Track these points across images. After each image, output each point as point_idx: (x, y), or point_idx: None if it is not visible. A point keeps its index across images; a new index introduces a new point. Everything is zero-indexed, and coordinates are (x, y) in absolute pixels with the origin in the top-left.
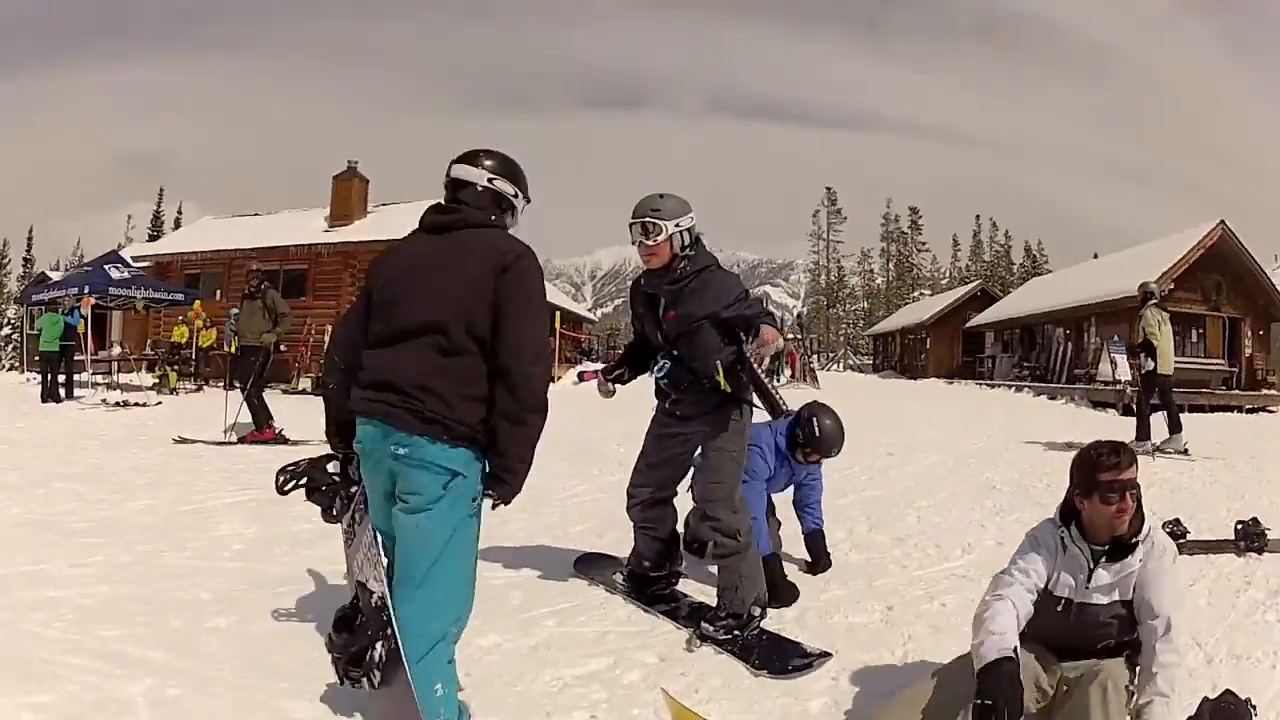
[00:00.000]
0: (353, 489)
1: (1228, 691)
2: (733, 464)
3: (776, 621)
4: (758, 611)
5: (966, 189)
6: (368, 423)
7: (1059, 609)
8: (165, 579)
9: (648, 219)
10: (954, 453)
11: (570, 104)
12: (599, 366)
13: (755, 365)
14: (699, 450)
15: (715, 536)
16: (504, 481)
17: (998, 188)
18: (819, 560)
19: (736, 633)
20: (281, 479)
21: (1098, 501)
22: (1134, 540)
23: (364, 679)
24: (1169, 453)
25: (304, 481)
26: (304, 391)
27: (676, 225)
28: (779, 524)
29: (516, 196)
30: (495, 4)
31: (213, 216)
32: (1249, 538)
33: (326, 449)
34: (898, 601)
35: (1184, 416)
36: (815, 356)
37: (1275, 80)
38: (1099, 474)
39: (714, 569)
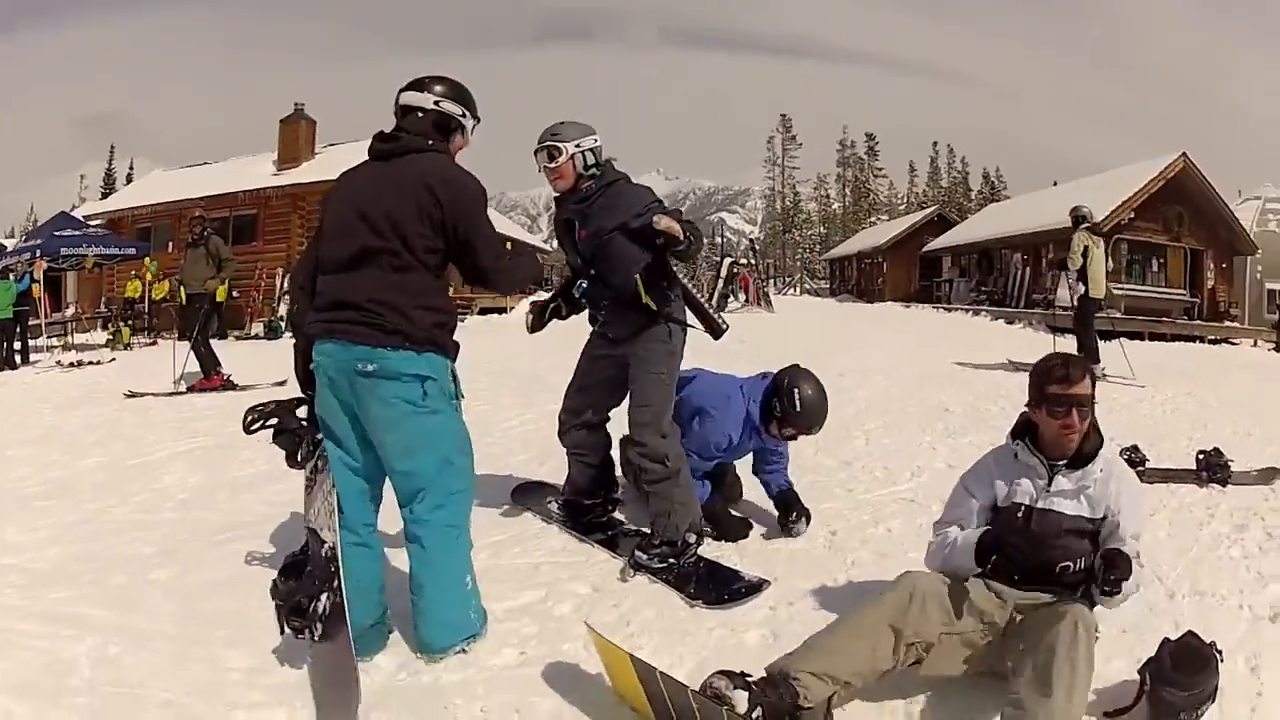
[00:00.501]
0: (319, 435)
1: (1190, 633)
2: (661, 387)
3: (715, 549)
4: (693, 538)
5: (924, 118)
6: (327, 342)
7: (1019, 516)
8: (111, 535)
9: (548, 143)
10: (908, 376)
11: (521, 39)
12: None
13: (689, 284)
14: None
15: (642, 462)
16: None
17: (955, 117)
18: (794, 512)
19: (671, 560)
20: (249, 418)
21: (1045, 414)
22: (1091, 455)
23: (306, 630)
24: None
25: (271, 422)
26: (256, 336)
27: (577, 146)
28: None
29: (465, 116)
30: None
31: (163, 169)
32: (1211, 468)
33: (274, 393)
34: (842, 526)
35: (1144, 344)
36: (771, 281)
37: (1242, 20)
38: (1047, 386)
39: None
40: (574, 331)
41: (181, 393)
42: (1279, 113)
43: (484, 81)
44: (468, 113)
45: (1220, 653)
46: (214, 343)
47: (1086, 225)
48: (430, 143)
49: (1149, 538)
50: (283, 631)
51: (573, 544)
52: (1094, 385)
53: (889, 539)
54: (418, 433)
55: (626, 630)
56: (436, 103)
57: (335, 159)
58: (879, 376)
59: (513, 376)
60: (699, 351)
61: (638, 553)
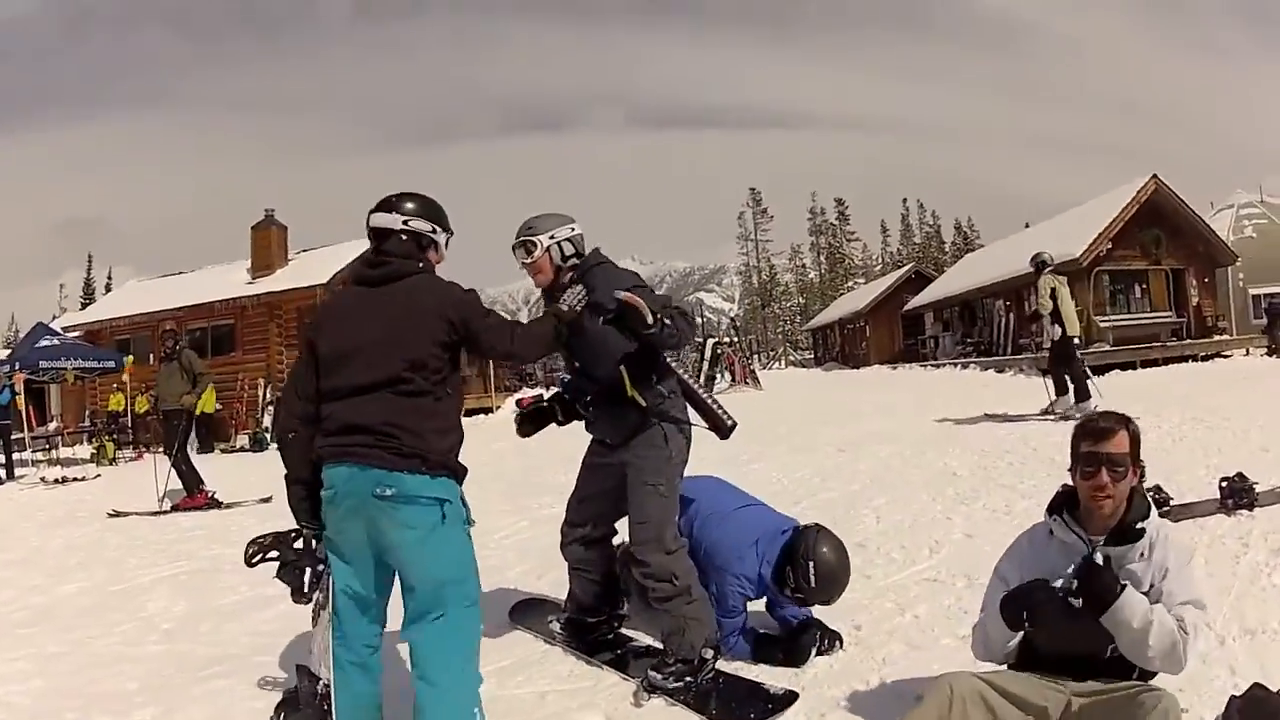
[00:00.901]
0: (320, 566)
1: (1256, 685)
2: (659, 499)
3: (730, 665)
4: (710, 654)
5: (891, 175)
6: (340, 465)
7: (1060, 601)
8: (94, 668)
9: (523, 238)
10: (907, 441)
11: (490, 132)
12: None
13: (689, 378)
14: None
15: (647, 582)
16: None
17: (922, 171)
18: (822, 637)
19: (688, 679)
20: (250, 550)
21: (1078, 476)
22: (1138, 526)
23: None
24: (1076, 418)
25: (271, 555)
26: (242, 449)
27: (551, 237)
28: None
29: (435, 232)
30: (407, 40)
31: (138, 279)
32: (1236, 494)
33: (260, 510)
34: (866, 619)
35: (1138, 373)
36: (755, 357)
37: (1193, 34)
38: (1080, 443)
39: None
40: (568, 430)
41: (165, 511)
42: (1239, 122)
43: (454, 176)
44: (438, 228)
45: None
46: (201, 457)
47: (1049, 268)
48: (420, 265)
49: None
50: None
51: (580, 667)
52: (1136, 444)
53: (917, 627)
54: (434, 556)
55: None
56: (405, 222)
57: (309, 265)
58: (877, 445)
59: (501, 480)
60: (697, 440)
61: (651, 673)
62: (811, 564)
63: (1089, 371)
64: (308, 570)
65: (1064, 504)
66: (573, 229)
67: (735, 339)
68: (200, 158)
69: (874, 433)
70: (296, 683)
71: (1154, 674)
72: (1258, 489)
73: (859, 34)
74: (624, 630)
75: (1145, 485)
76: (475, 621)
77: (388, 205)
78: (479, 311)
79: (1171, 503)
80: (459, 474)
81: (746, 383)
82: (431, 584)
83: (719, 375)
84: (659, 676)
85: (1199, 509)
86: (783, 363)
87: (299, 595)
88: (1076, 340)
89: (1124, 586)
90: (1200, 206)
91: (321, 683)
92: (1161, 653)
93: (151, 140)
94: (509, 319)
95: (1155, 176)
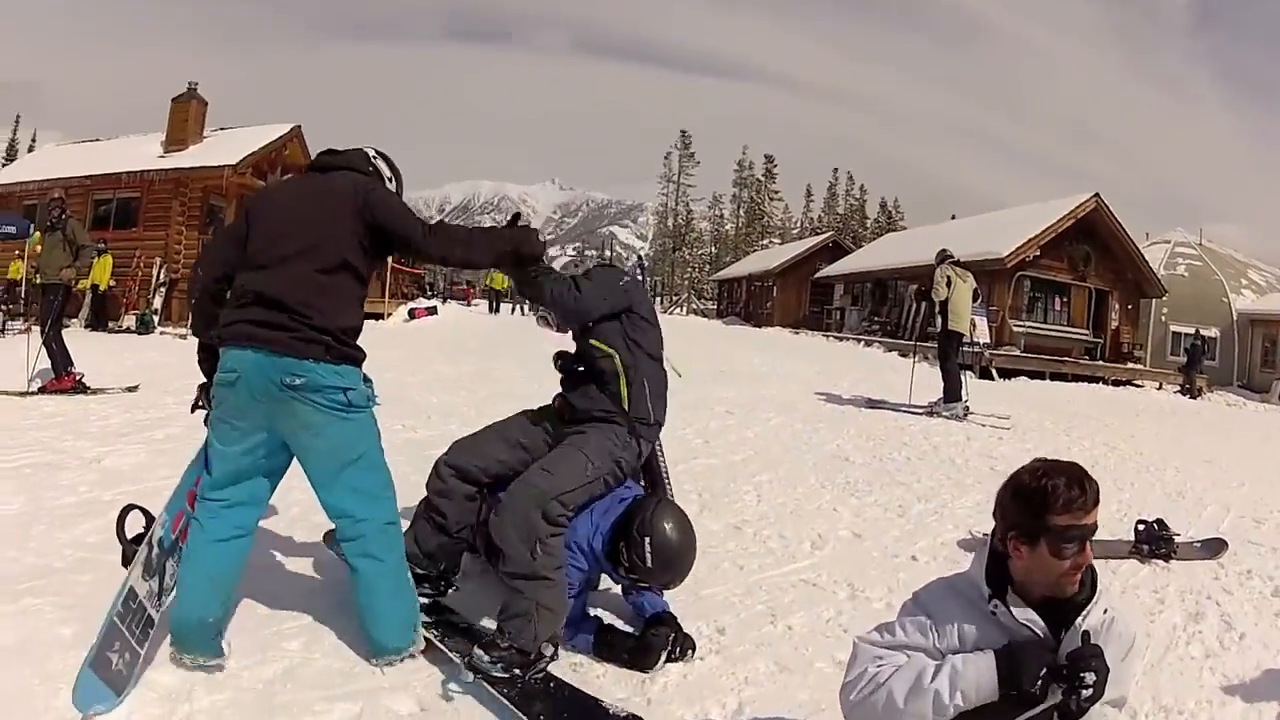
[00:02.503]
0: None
1: None
2: (576, 469)
3: (567, 660)
4: (549, 651)
5: (826, 143)
6: (246, 349)
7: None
8: None
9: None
10: (802, 414)
11: (433, 34)
12: (434, 304)
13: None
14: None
15: (507, 541)
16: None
17: (858, 145)
18: (673, 643)
19: (517, 671)
20: (199, 399)
21: (1045, 552)
22: (1083, 601)
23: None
24: (944, 415)
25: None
26: (128, 330)
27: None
28: None
29: (390, 181)
30: None
31: (56, 144)
32: (1155, 542)
33: (125, 398)
34: (732, 622)
35: (1047, 384)
36: (658, 299)
37: (1161, 75)
38: (1052, 515)
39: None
40: (442, 340)
41: (32, 393)
42: (1191, 166)
43: (385, 74)
44: (395, 180)
45: None
46: (89, 334)
47: (951, 260)
48: (370, 169)
49: None
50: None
51: None
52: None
53: (790, 641)
54: (345, 438)
55: None
56: (372, 157)
57: (221, 144)
58: (770, 413)
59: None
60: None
61: (478, 651)
62: (648, 540)
63: (964, 375)
64: None
65: (1002, 578)
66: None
67: (641, 277)
68: (139, 27)
69: (768, 398)
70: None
71: None
72: (1178, 539)
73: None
74: (448, 604)
75: None
76: (391, 494)
77: (361, 148)
78: (394, 204)
79: None
80: (359, 360)
81: None
82: (337, 464)
83: None
84: (485, 658)
85: (1112, 548)
86: (684, 309)
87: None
88: (965, 340)
89: None
90: (1136, 236)
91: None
92: None
93: (90, 5)
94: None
95: (1097, 195)
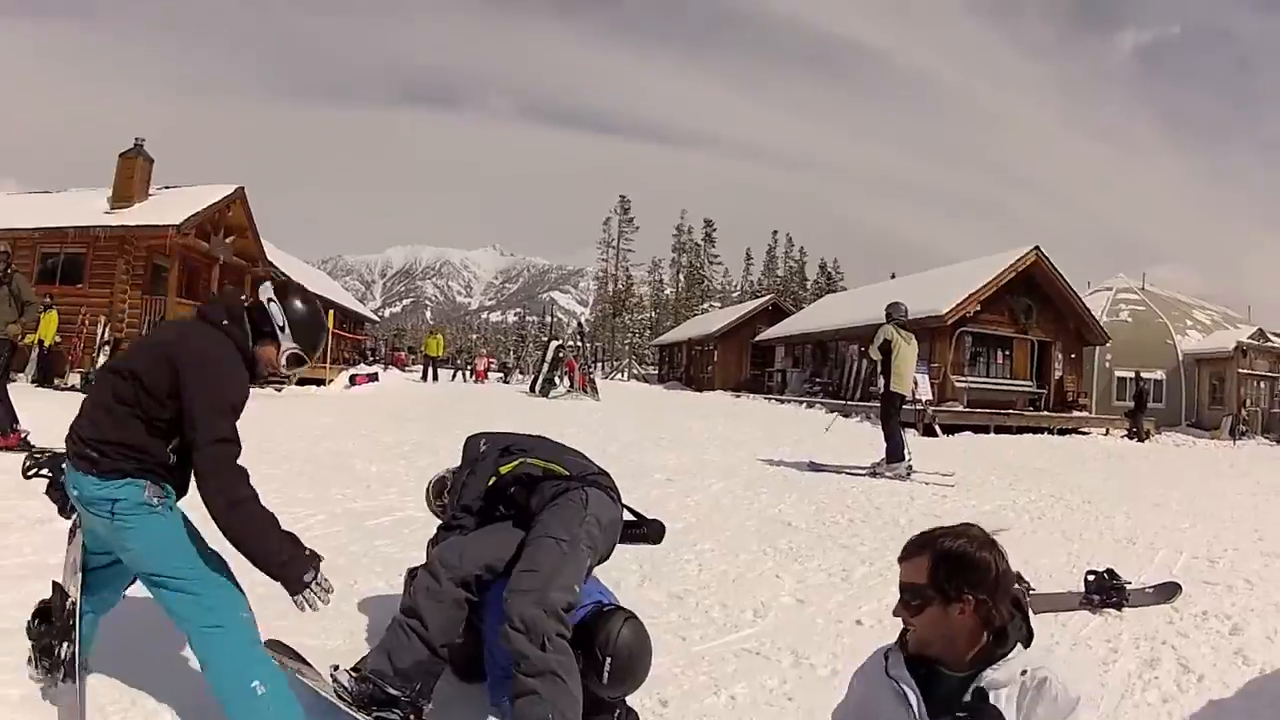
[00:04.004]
0: None
1: None
2: (555, 552)
3: None
4: None
5: (764, 206)
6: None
7: None
8: None
9: None
10: (742, 478)
11: (378, 99)
12: (374, 370)
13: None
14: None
15: (514, 643)
16: (289, 588)
17: (796, 205)
18: None
19: None
20: (27, 464)
21: None
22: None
23: (51, 672)
24: (888, 476)
25: (44, 473)
26: (73, 388)
27: None
28: None
29: (284, 330)
30: None
31: (5, 193)
32: (1105, 592)
33: None
34: (674, 694)
35: (992, 438)
36: (598, 365)
37: (1104, 122)
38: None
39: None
40: (394, 414)
41: None
42: (1133, 211)
43: (332, 138)
44: (290, 335)
45: None
46: (35, 390)
47: (896, 320)
48: (224, 321)
49: None
50: (35, 667)
51: None
52: (952, 570)
53: (732, 712)
54: (133, 552)
55: None
56: (269, 301)
57: (167, 203)
58: (711, 478)
59: (312, 463)
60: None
61: None
62: (610, 660)
63: (906, 434)
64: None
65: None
66: None
67: (580, 344)
68: (90, 77)
69: (709, 463)
70: (51, 596)
71: None
72: (1129, 587)
73: (766, 64)
74: None
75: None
76: (203, 599)
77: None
78: (203, 354)
79: (1031, 591)
80: (140, 469)
81: (585, 390)
82: (145, 579)
83: (558, 379)
84: None
85: (1061, 601)
86: (625, 375)
87: (64, 513)
88: (907, 399)
89: None
90: (1078, 284)
91: (70, 601)
92: None
93: (45, 52)
94: (225, 448)
95: (1038, 248)
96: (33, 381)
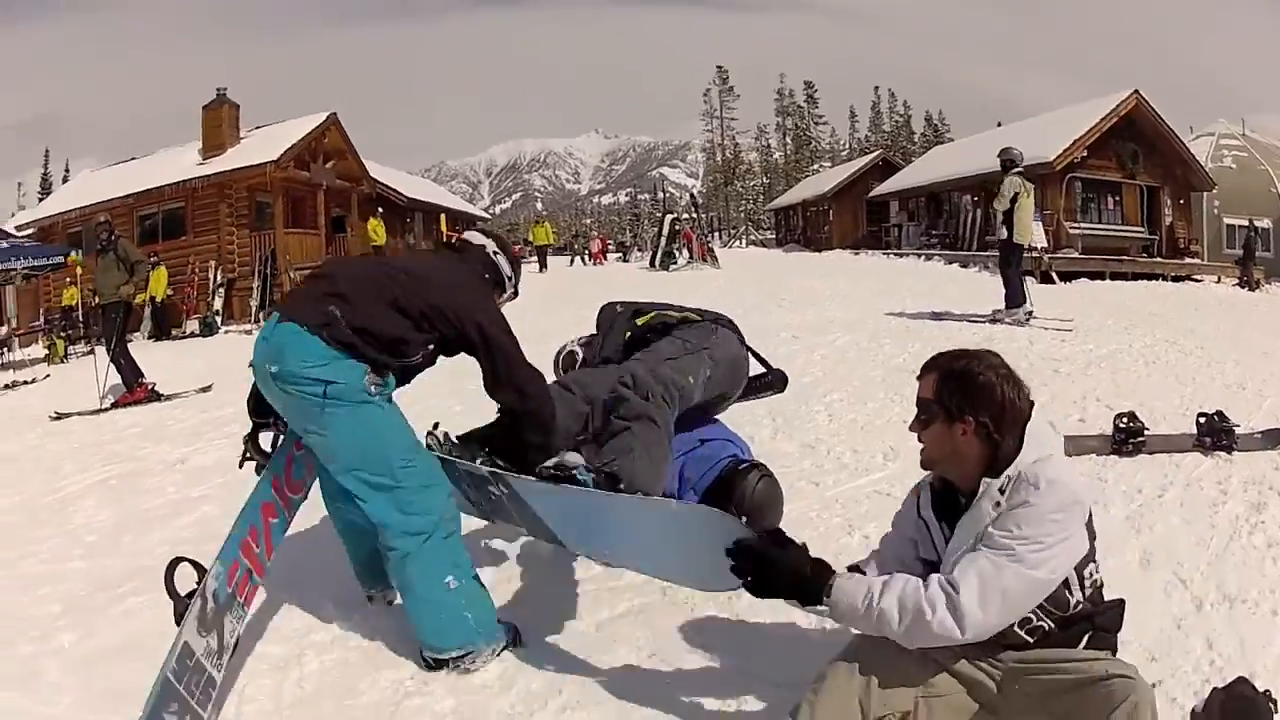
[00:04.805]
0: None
1: (1241, 680)
2: (670, 347)
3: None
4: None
5: (863, 64)
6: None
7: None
8: (20, 591)
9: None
10: (866, 331)
11: (455, 6)
12: None
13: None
14: None
15: (628, 395)
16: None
17: (897, 63)
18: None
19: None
20: (245, 451)
21: None
22: (971, 489)
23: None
24: (1007, 322)
25: (248, 458)
26: (192, 334)
27: None
28: None
29: (510, 280)
30: None
31: (90, 170)
32: (1216, 434)
33: (200, 400)
34: (812, 536)
35: (1107, 284)
36: (715, 235)
37: None
38: None
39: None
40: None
41: (105, 410)
42: (1228, 51)
43: (414, 49)
44: (513, 279)
45: (1275, 702)
46: (155, 345)
47: (1018, 170)
48: (486, 276)
49: (1161, 526)
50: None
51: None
52: (958, 390)
53: (866, 550)
54: (335, 442)
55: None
56: (494, 253)
57: (260, 143)
58: (835, 333)
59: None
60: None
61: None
62: (744, 519)
63: (1024, 281)
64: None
65: None
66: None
67: (695, 215)
68: (155, 40)
69: (832, 320)
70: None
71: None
72: (1238, 431)
73: None
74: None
75: (1121, 411)
76: (413, 495)
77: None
78: (488, 319)
79: (1146, 431)
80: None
81: (705, 260)
82: (343, 474)
83: (677, 252)
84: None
85: (1175, 442)
86: (743, 242)
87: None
88: (1026, 248)
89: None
90: (1180, 130)
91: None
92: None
93: (105, 29)
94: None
95: (1137, 92)
96: (149, 337)
